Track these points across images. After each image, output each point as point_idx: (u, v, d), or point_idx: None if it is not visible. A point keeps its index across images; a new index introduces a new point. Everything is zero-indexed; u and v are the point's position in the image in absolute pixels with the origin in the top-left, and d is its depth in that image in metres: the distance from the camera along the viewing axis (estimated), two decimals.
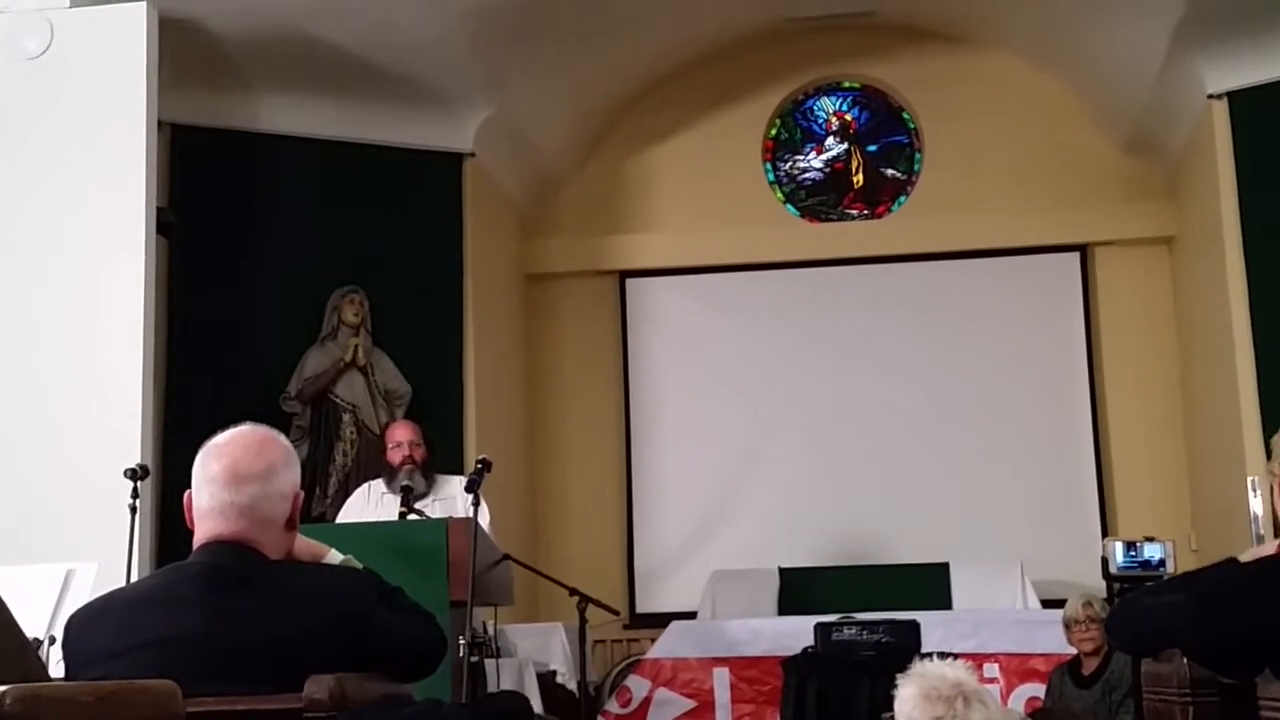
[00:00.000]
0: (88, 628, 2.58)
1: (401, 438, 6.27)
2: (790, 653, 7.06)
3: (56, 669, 3.01)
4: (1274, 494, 3.22)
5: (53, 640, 3.66)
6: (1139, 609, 3.03)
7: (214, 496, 2.61)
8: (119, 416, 6.33)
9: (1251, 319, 7.91)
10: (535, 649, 7.43)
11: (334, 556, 2.83)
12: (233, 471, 2.60)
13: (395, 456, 6.21)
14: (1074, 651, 6.50)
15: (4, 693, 1.75)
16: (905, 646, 6.43)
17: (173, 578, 2.62)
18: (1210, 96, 8.13)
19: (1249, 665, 2.59)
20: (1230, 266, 8.01)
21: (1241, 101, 8.05)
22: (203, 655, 2.43)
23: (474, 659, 4.71)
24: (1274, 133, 7.91)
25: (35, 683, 2.03)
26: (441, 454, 6.85)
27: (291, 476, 2.69)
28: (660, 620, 8.51)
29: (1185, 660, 2.73)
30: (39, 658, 2.75)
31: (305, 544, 2.79)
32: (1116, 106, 9.29)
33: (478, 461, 5.00)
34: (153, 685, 2.15)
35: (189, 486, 2.67)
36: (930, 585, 8.48)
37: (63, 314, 6.49)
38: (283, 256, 8.08)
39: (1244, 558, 2.88)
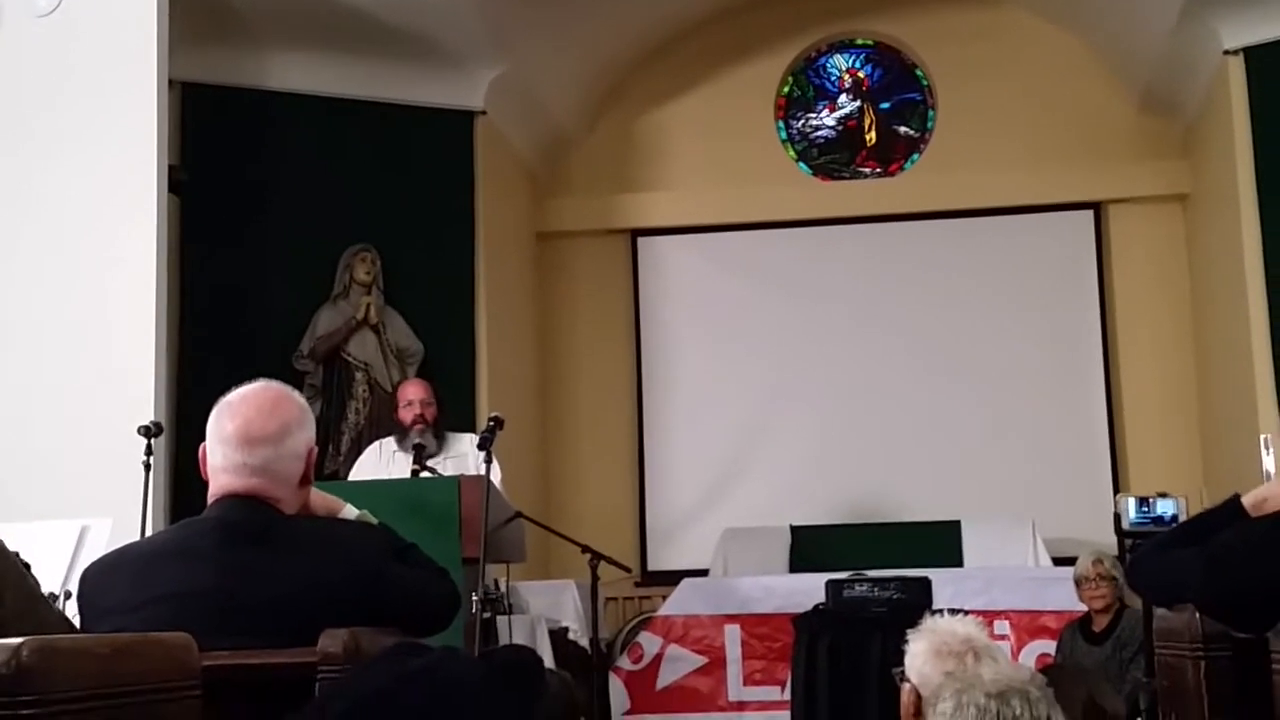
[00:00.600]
0: (102, 582, 2.58)
1: (413, 396, 6.27)
2: (802, 610, 7.07)
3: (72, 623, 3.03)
4: None
5: (68, 595, 3.68)
6: (1151, 565, 3.02)
7: (227, 457, 2.59)
8: (132, 373, 6.32)
9: (1266, 275, 7.87)
10: (547, 606, 7.46)
11: (349, 511, 2.83)
12: (246, 433, 2.59)
13: (407, 415, 6.21)
14: (1085, 608, 6.52)
15: (21, 644, 1.76)
16: (916, 603, 6.44)
17: (187, 532, 2.61)
18: (1226, 52, 8.07)
19: (1261, 622, 2.59)
20: (1245, 224, 7.96)
21: (1258, 57, 7.98)
22: (217, 609, 2.43)
23: (486, 615, 4.73)
24: None
25: (52, 635, 2.03)
26: (453, 412, 6.86)
27: (306, 435, 2.67)
28: (672, 578, 8.52)
29: (1197, 615, 2.72)
30: (56, 610, 2.76)
31: (321, 498, 2.79)
32: (1131, 63, 9.21)
33: (490, 419, 5.01)
34: (168, 638, 2.16)
35: (203, 442, 2.67)
36: (942, 543, 8.48)
37: (75, 272, 6.48)
38: (294, 214, 8.06)
39: (1246, 499, 2.88)
